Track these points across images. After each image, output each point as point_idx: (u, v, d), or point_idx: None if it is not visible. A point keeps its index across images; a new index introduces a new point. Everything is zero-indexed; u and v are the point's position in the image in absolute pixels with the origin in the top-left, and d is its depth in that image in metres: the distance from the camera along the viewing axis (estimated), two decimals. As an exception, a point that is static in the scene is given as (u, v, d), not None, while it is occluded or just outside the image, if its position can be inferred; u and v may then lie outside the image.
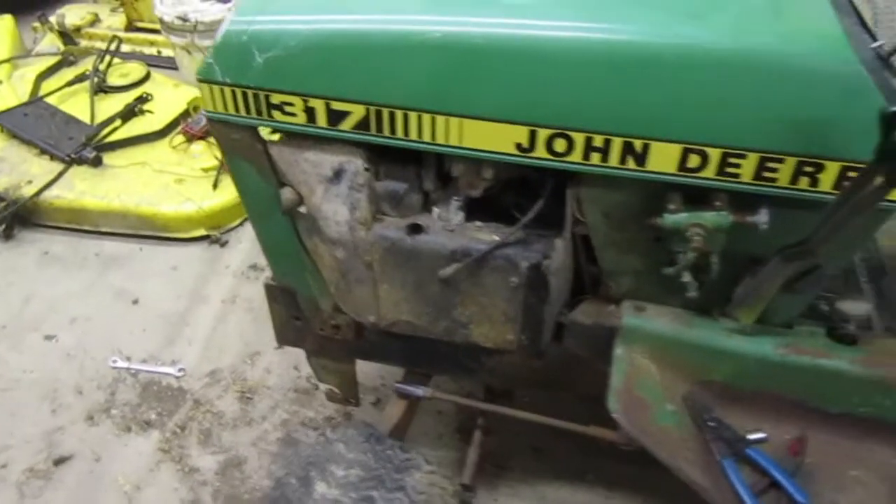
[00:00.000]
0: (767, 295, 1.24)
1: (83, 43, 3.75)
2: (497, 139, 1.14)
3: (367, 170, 1.26)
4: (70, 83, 3.13)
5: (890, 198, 1.05)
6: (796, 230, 1.12)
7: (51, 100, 3.06)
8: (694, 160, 1.09)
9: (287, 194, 1.31)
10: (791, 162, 1.06)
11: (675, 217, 1.16)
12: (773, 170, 1.07)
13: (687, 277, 1.23)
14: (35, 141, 2.82)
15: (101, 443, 1.96)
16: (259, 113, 1.22)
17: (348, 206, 1.30)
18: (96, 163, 2.76)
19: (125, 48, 3.69)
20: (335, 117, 1.19)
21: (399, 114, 1.16)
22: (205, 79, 1.22)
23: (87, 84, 3.09)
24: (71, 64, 3.37)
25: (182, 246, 2.66)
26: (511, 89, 1.10)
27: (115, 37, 3.28)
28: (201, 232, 2.67)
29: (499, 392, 1.94)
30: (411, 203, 1.32)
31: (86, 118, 2.94)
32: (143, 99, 3.03)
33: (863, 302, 1.28)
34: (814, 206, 1.08)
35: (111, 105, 3.02)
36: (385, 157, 1.28)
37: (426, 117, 1.15)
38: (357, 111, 1.18)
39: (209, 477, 1.87)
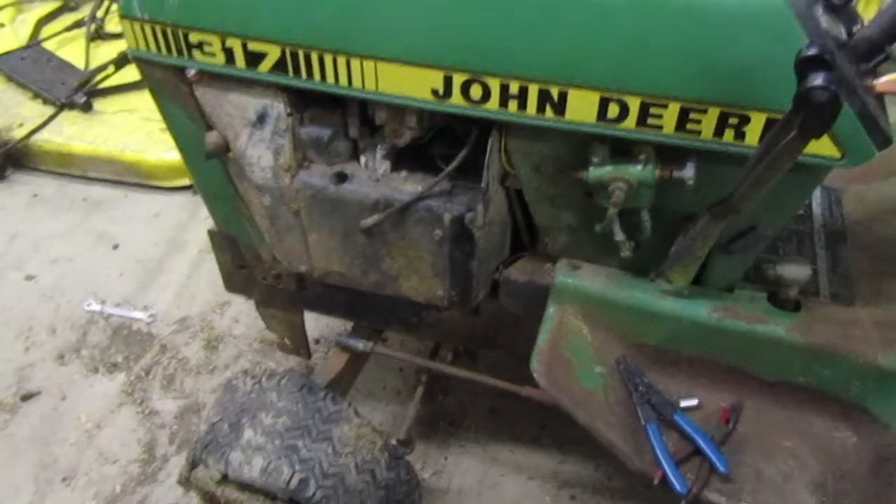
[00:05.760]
0: (699, 255, 1.18)
1: (89, -12, 3.75)
2: (413, 84, 1.10)
3: (290, 114, 1.23)
4: (68, 28, 3.15)
5: (818, 153, 0.99)
6: (726, 186, 1.05)
7: (49, 44, 3.08)
8: (613, 109, 1.03)
9: (211, 138, 1.28)
10: (714, 112, 0.99)
11: (598, 171, 1.10)
12: (697, 121, 1.01)
13: (619, 236, 1.18)
14: (29, 84, 2.85)
15: (68, 382, 2.00)
16: (179, 52, 1.19)
17: (272, 151, 1.27)
18: (86, 108, 2.78)
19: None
20: (253, 58, 1.16)
21: (315, 55, 1.12)
22: (125, 14, 1.19)
23: (84, 30, 3.10)
24: (72, 9, 3.38)
25: (166, 194, 2.68)
26: (421, 30, 1.05)
27: (113, -18, 3.26)
28: (185, 181, 2.67)
29: (460, 352, 1.92)
30: (338, 150, 1.28)
31: (80, 64, 2.96)
32: (137, 45, 3.02)
33: (804, 266, 1.20)
34: (742, 160, 1.01)
35: (107, 51, 3.03)
36: (310, 103, 1.24)
37: (341, 60, 1.11)
38: (273, 52, 1.14)
39: (168, 420, 1.90)
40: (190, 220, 2.56)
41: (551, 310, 1.31)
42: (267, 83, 1.19)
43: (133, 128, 2.72)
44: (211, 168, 1.37)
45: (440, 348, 1.74)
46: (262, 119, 1.25)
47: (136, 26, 1.19)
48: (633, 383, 1.28)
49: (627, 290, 1.28)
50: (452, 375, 1.55)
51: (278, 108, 1.22)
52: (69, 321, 2.18)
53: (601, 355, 1.30)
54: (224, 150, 1.30)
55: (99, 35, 3.13)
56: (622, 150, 1.09)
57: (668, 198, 1.13)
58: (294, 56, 1.13)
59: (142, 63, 1.26)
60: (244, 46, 1.15)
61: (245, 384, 1.48)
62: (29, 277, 2.33)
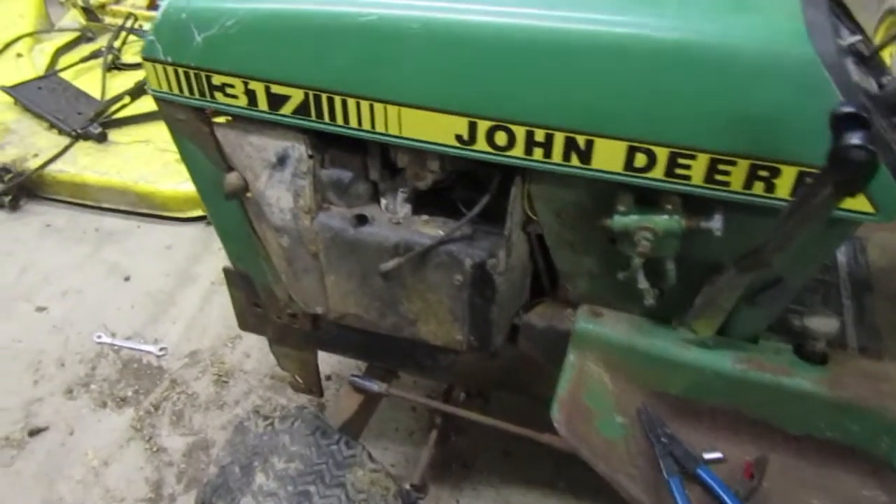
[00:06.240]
0: (725, 306, 1.16)
1: (106, 19, 3.78)
2: (437, 130, 1.09)
3: (310, 157, 1.22)
4: (85, 59, 3.18)
5: (851, 208, 0.97)
6: (754, 238, 1.03)
7: (65, 74, 3.11)
8: (641, 159, 1.02)
9: (231, 179, 1.27)
10: (744, 165, 0.98)
11: (624, 219, 1.09)
12: (726, 173, 0.99)
13: (643, 284, 1.16)
14: (45, 114, 2.87)
15: (76, 416, 1.98)
16: (202, 94, 1.19)
17: (292, 193, 1.26)
18: (101, 139, 2.79)
19: (147, 26, 3.72)
20: (275, 101, 1.15)
21: (338, 99, 1.11)
22: (148, 57, 1.19)
23: (101, 60, 3.13)
24: (89, 40, 3.42)
25: (179, 225, 2.67)
26: (448, 77, 1.04)
27: (130, 14, 3.30)
28: (198, 212, 2.67)
29: (474, 392, 1.89)
30: (358, 193, 1.27)
31: (96, 94, 2.97)
32: (153, 76, 3.04)
33: (832, 318, 1.18)
34: (772, 212, 1.00)
35: (123, 82, 3.05)
36: (331, 145, 1.24)
37: (364, 104, 1.10)
38: (296, 95, 1.13)
39: (175, 458, 1.87)
40: (202, 252, 2.55)
41: (571, 357, 1.28)
42: (288, 125, 1.18)
43: (148, 159, 2.72)
44: (228, 207, 1.36)
45: (453, 389, 1.71)
46: (282, 161, 1.24)
47: (159, 68, 1.19)
48: (655, 434, 1.25)
49: (650, 339, 1.25)
50: (469, 419, 1.52)
51: (299, 149, 1.22)
52: (79, 354, 2.16)
53: (622, 404, 1.28)
54: (243, 190, 1.29)
55: (115, 65, 3.16)
56: (648, 198, 1.07)
57: (694, 247, 1.11)
58: (317, 99, 1.12)
59: (163, 103, 1.26)
60: (267, 89, 1.14)
61: (257, 425, 1.46)
62: (39, 309, 2.32)
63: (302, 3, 1.08)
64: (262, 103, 1.16)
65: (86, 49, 3.30)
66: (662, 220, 1.07)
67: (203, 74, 1.17)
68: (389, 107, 1.09)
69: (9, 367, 2.11)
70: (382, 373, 1.65)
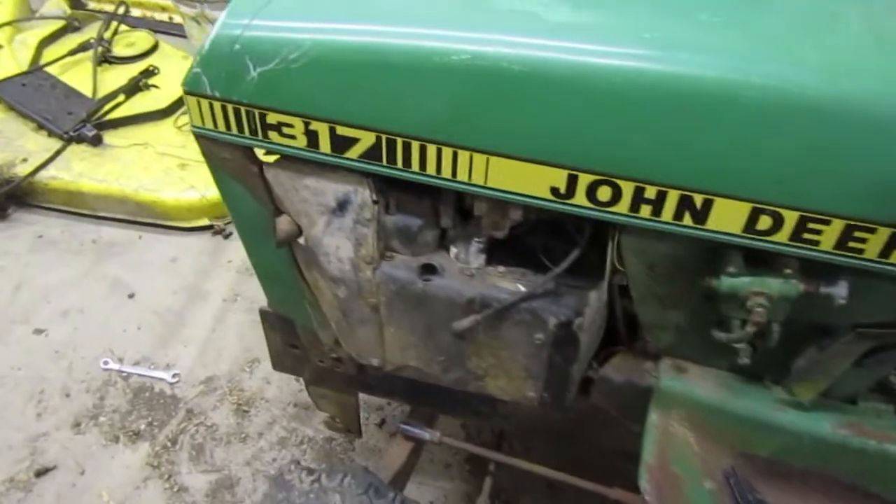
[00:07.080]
0: (835, 372, 1.07)
1: (91, 5, 3.56)
2: (529, 181, 0.97)
3: (375, 202, 1.10)
4: (73, 52, 2.96)
5: None
6: (880, 305, 0.94)
7: (52, 69, 2.90)
8: (765, 222, 0.91)
9: (283, 225, 1.14)
10: (884, 233, 0.88)
11: (733, 281, 0.98)
12: (861, 240, 0.89)
13: (742, 344, 1.06)
14: (32, 115, 2.67)
15: (86, 453, 1.84)
16: (253, 133, 1.05)
17: (353, 241, 1.13)
18: (96, 142, 2.60)
19: (136, 13, 3.51)
20: (341, 143, 1.02)
21: (415, 145, 0.99)
22: (191, 91, 1.04)
23: (90, 53, 2.92)
24: (76, 29, 3.19)
25: (183, 235, 2.51)
26: (550, 125, 0.92)
27: (122, 2, 3.08)
28: (204, 222, 2.51)
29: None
30: (426, 240, 1.15)
31: (87, 91, 2.78)
32: (148, 72, 2.86)
33: (943, 383, 1.10)
34: (905, 280, 0.90)
35: (115, 77, 2.86)
36: (397, 188, 1.11)
37: (446, 151, 0.98)
38: (366, 138, 1.00)
39: (199, 498, 1.76)
40: (210, 266, 2.40)
41: (654, 417, 1.19)
42: (353, 169, 1.06)
43: (147, 164, 2.55)
44: (274, 252, 1.23)
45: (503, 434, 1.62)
46: (342, 206, 1.11)
47: (204, 104, 1.05)
48: (747, 501, 1.16)
49: (742, 399, 1.16)
50: (533, 472, 1.43)
51: (363, 194, 1.09)
52: (84, 382, 2.01)
53: (708, 467, 1.19)
54: (295, 236, 1.17)
55: (106, 59, 2.95)
56: (761, 259, 0.97)
57: (806, 310, 1.01)
58: (390, 144, 1.00)
59: (205, 141, 1.12)
60: (332, 131, 1.01)
61: (301, 481, 1.35)
62: (38, 331, 2.16)
63: (381, 36, 0.95)
64: (325, 146, 1.03)
65: (72, 40, 3.08)
66: (777, 284, 0.96)
67: (256, 112, 1.03)
68: (476, 155, 0.97)
69: (9, 398, 1.96)
70: (427, 416, 1.54)
